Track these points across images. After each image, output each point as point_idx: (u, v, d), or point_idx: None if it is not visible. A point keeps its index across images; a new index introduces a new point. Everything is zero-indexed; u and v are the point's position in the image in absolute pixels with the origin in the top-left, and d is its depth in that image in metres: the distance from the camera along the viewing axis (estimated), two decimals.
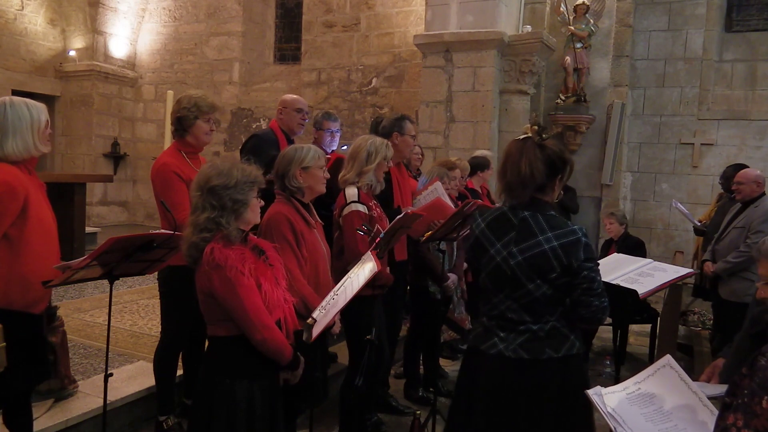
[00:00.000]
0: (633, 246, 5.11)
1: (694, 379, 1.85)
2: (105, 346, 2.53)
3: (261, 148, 3.70)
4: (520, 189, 2.06)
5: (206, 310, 2.18)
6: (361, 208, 3.08)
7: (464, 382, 2.21)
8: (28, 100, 2.45)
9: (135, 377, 3.49)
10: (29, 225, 2.36)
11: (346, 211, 3.09)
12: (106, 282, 2.37)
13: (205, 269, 2.09)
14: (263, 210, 2.68)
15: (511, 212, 2.11)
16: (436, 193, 3.81)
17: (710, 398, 1.67)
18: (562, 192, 6.40)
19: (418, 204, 3.79)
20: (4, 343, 2.32)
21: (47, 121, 2.46)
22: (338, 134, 4.34)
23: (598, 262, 2.14)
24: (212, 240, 2.11)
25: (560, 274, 1.99)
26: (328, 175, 2.86)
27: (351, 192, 3.13)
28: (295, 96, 4.07)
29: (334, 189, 3.26)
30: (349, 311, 2.76)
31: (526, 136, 2.09)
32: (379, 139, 3.26)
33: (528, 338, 2.04)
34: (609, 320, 5.19)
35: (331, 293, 2.38)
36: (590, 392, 1.79)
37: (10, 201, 2.30)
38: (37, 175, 2.58)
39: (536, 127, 2.09)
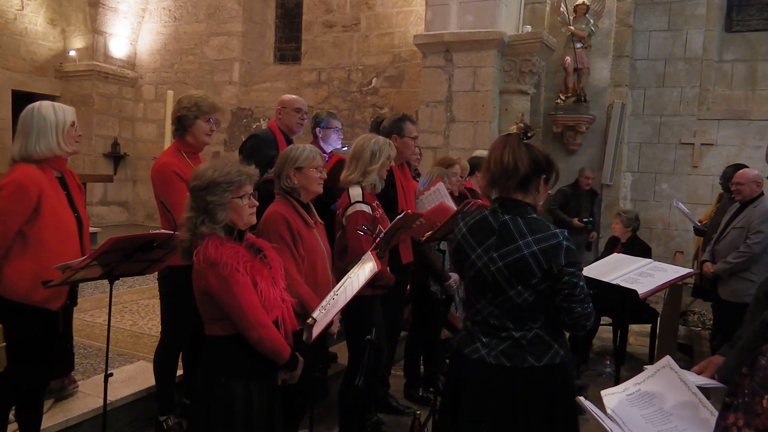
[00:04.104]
0: (638, 251, 4.86)
1: None
2: (105, 346, 2.53)
3: (260, 148, 3.70)
4: (503, 180, 2.02)
5: (203, 309, 2.18)
6: (365, 208, 3.08)
7: (450, 383, 2.19)
8: (56, 104, 2.60)
9: (135, 377, 3.48)
10: (43, 223, 2.44)
11: (350, 211, 3.08)
12: (106, 282, 2.37)
13: (200, 267, 2.09)
14: (264, 210, 2.69)
15: (492, 216, 2.06)
16: (439, 194, 3.80)
17: (700, 387, 1.67)
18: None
19: (421, 204, 3.79)
20: (4, 343, 2.34)
21: (73, 122, 2.57)
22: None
23: (582, 267, 2.08)
24: (194, 240, 2.11)
25: (541, 279, 1.94)
26: (324, 176, 2.85)
27: (355, 192, 3.12)
28: (293, 96, 4.07)
29: (334, 189, 3.26)
30: (349, 311, 2.76)
31: (509, 132, 2.08)
32: (382, 138, 3.25)
33: (510, 345, 1.99)
34: (609, 320, 5.20)
35: (331, 293, 2.38)
36: (582, 399, 1.78)
37: (21, 200, 2.40)
38: (74, 175, 2.71)
39: (521, 125, 2.09)
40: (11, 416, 2.65)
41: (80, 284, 2.71)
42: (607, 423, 1.58)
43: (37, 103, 2.56)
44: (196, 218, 2.10)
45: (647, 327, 5.18)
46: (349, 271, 2.55)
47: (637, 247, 5.10)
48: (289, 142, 3.86)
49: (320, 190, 2.83)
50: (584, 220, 6.69)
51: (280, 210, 2.71)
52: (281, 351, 2.17)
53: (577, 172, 7.27)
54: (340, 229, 3.18)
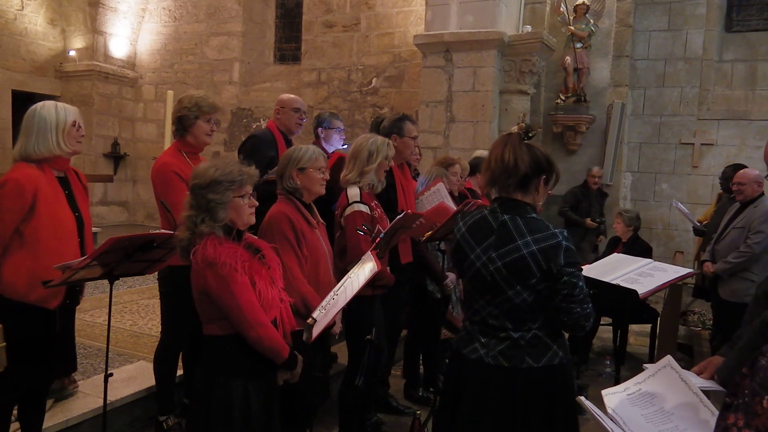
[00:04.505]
0: (640, 250, 4.89)
1: None
2: (105, 346, 2.53)
3: (259, 148, 3.69)
4: (503, 179, 2.01)
5: (201, 309, 2.18)
6: (364, 208, 3.08)
7: (449, 383, 2.18)
8: (60, 104, 2.60)
9: (135, 377, 3.48)
10: (39, 222, 2.45)
11: (348, 211, 3.08)
12: (106, 282, 2.37)
13: (198, 267, 2.08)
14: (265, 211, 2.68)
15: (491, 216, 2.06)
16: (439, 194, 3.80)
17: (702, 389, 1.67)
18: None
19: (421, 205, 3.79)
20: (4, 343, 2.35)
21: (74, 121, 2.57)
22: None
23: (582, 267, 2.08)
24: (192, 239, 2.10)
25: (540, 279, 1.93)
26: (327, 177, 2.85)
27: (353, 192, 3.12)
28: (292, 95, 4.06)
29: (335, 188, 3.25)
30: (349, 311, 2.76)
31: (511, 132, 2.09)
32: (380, 138, 3.25)
33: (508, 345, 1.99)
34: (609, 320, 5.20)
35: (331, 293, 2.38)
36: (583, 399, 1.78)
37: (16, 198, 2.42)
38: (80, 175, 2.72)
39: (523, 125, 2.09)
40: (13, 416, 2.66)
41: (84, 284, 2.72)
42: (607, 423, 1.58)
43: (41, 103, 2.57)
44: (196, 217, 2.10)
45: (647, 327, 5.18)
46: (348, 271, 2.55)
47: (639, 247, 5.10)
48: (288, 142, 3.86)
49: (322, 191, 2.83)
50: (597, 220, 6.63)
51: (284, 210, 2.71)
52: (280, 350, 2.17)
53: (576, 172, 7.27)
54: (339, 229, 3.18)
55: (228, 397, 2.13)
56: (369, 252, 2.63)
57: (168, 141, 4.41)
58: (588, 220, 6.58)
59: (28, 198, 2.43)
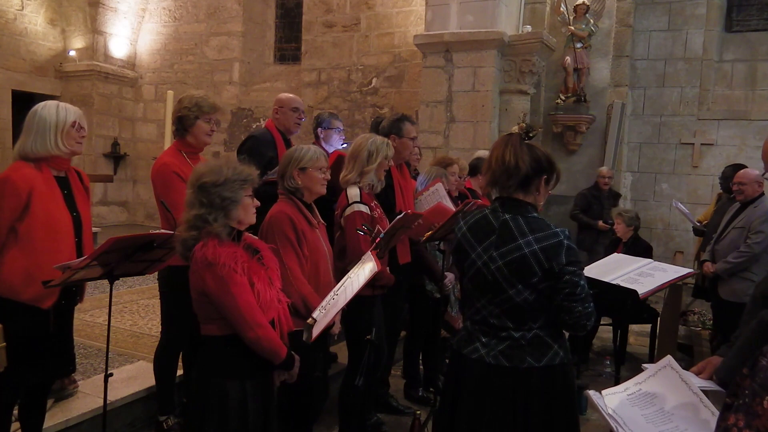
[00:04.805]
0: (641, 250, 4.91)
1: None
2: (105, 346, 2.53)
3: (258, 148, 3.69)
4: (504, 179, 2.02)
5: (199, 309, 2.17)
6: (364, 208, 3.07)
7: (449, 384, 2.19)
8: (62, 103, 2.60)
9: (135, 377, 3.48)
10: (33, 221, 2.44)
11: (348, 211, 3.08)
12: (106, 282, 2.37)
13: (197, 267, 2.08)
14: (264, 211, 2.68)
15: (492, 215, 2.06)
16: (437, 194, 3.80)
17: (701, 389, 1.68)
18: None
19: (420, 205, 3.78)
20: (4, 343, 2.35)
21: (74, 122, 2.56)
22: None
23: (583, 266, 2.08)
24: (200, 237, 2.10)
25: (541, 278, 1.93)
26: (328, 177, 2.85)
27: (353, 192, 3.12)
28: (290, 95, 4.06)
29: (336, 188, 3.26)
30: (349, 311, 2.76)
31: (511, 132, 2.09)
32: (380, 138, 3.25)
33: (509, 345, 1.99)
34: (609, 320, 5.20)
35: (331, 293, 2.38)
36: (590, 393, 1.79)
37: (9, 196, 2.42)
38: (83, 175, 2.72)
39: (523, 125, 2.10)
40: (13, 416, 2.66)
41: (85, 284, 2.72)
42: (611, 420, 1.58)
43: (43, 102, 2.57)
44: (208, 214, 2.09)
45: (647, 327, 5.18)
46: (348, 271, 2.55)
47: (640, 246, 5.11)
48: (287, 141, 3.85)
49: (323, 191, 2.83)
50: (609, 222, 6.51)
51: (285, 210, 2.71)
52: (278, 351, 2.17)
53: (576, 172, 7.26)
54: (339, 229, 3.18)
55: (225, 397, 2.13)
56: (369, 252, 2.63)
57: (168, 141, 4.41)
58: (600, 223, 6.45)
59: (23, 197, 2.42)
